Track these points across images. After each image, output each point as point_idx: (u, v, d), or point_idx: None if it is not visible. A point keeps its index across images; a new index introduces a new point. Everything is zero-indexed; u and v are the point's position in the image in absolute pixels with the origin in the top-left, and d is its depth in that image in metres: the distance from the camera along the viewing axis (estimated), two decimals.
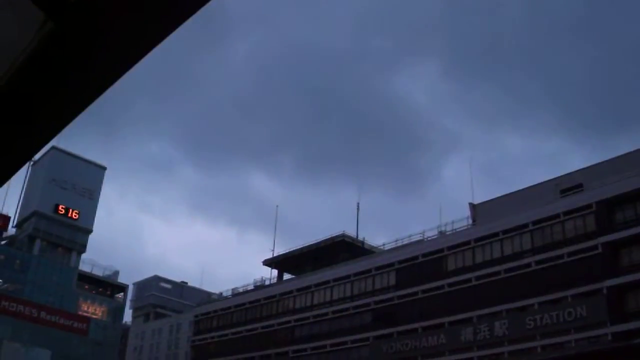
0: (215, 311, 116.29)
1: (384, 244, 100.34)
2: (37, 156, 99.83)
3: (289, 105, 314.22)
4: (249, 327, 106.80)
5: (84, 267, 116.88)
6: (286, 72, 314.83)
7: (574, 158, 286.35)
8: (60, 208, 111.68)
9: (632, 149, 75.63)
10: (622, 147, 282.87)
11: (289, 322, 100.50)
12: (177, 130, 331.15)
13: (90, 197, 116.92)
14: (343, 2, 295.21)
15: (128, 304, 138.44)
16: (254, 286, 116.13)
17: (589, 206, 70.88)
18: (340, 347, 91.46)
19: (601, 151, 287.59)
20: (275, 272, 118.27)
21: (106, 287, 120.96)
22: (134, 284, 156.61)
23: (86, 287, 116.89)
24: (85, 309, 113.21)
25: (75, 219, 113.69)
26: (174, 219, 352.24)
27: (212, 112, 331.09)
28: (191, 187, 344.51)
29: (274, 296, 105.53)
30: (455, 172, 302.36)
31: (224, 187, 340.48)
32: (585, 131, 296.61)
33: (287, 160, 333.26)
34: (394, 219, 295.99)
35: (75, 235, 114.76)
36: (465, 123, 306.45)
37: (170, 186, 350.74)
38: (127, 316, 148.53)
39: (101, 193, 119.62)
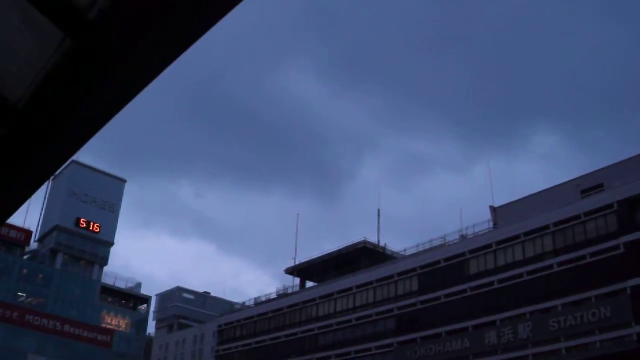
0: (238, 320, 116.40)
1: (405, 250, 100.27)
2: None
3: (195, 117, 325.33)
4: (272, 335, 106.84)
5: (106, 279, 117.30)
6: (180, 84, 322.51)
7: (475, 158, 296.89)
8: (81, 221, 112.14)
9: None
10: (514, 145, 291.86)
11: (312, 329, 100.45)
12: (98, 142, 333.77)
13: (110, 209, 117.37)
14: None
15: (151, 315, 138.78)
16: (277, 295, 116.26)
17: (610, 206, 70.46)
18: (364, 354, 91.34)
19: (498, 151, 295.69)
20: (297, 280, 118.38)
21: (129, 299, 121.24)
22: (156, 295, 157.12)
23: (109, 299, 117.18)
24: (109, 321, 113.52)
25: (97, 232, 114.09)
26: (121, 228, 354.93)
27: (125, 124, 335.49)
28: (127, 198, 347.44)
29: (297, 304, 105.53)
30: (369, 173, 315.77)
31: (156, 198, 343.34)
32: (473, 132, 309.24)
33: (206, 170, 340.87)
34: (325, 226, 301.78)
35: (97, 248, 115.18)
36: (366, 125, 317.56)
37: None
38: (151, 327, 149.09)
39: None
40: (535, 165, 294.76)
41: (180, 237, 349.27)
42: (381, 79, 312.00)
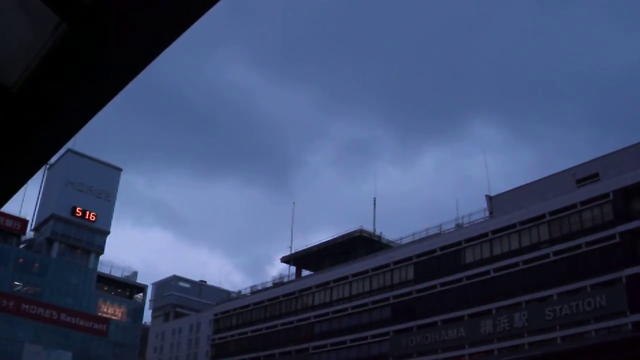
0: (234, 309, 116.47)
1: (401, 238, 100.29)
2: (52, 159, 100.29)
3: (137, 107, 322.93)
4: (268, 324, 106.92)
5: (102, 268, 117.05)
6: None
7: (416, 147, 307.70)
8: (77, 210, 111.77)
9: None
10: (452, 134, 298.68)
11: (308, 318, 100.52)
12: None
13: (106, 198, 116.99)
14: None
15: (147, 304, 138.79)
16: (273, 283, 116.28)
17: (605, 195, 70.46)
18: (361, 342, 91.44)
19: (439, 141, 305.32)
20: (293, 268, 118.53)
21: (125, 287, 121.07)
22: (152, 284, 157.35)
23: (105, 288, 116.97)
24: (105, 310, 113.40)
25: (93, 221, 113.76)
26: None
27: None
28: None
29: (293, 293, 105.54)
30: (317, 159, 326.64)
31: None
32: (413, 121, 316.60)
33: (158, 160, 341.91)
34: (278, 212, 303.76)
35: (93, 237, 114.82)
36: (307, 112, 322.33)
37: None
38: (147, 316, 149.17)
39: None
40: (476, 154, 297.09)
41: (143, 227, 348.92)
42: (317, 67, 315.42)
